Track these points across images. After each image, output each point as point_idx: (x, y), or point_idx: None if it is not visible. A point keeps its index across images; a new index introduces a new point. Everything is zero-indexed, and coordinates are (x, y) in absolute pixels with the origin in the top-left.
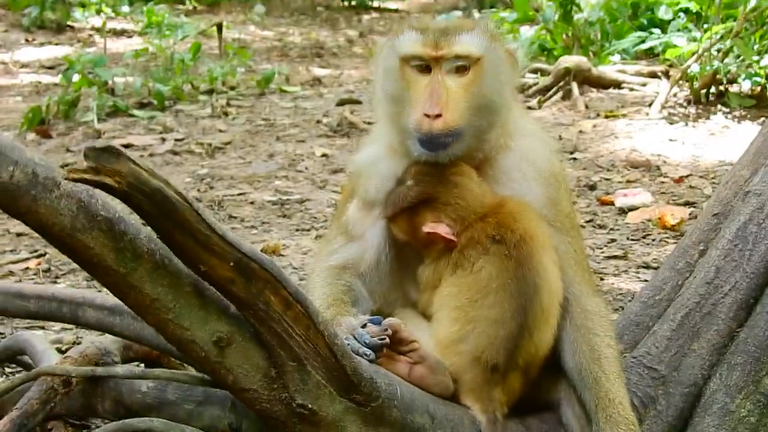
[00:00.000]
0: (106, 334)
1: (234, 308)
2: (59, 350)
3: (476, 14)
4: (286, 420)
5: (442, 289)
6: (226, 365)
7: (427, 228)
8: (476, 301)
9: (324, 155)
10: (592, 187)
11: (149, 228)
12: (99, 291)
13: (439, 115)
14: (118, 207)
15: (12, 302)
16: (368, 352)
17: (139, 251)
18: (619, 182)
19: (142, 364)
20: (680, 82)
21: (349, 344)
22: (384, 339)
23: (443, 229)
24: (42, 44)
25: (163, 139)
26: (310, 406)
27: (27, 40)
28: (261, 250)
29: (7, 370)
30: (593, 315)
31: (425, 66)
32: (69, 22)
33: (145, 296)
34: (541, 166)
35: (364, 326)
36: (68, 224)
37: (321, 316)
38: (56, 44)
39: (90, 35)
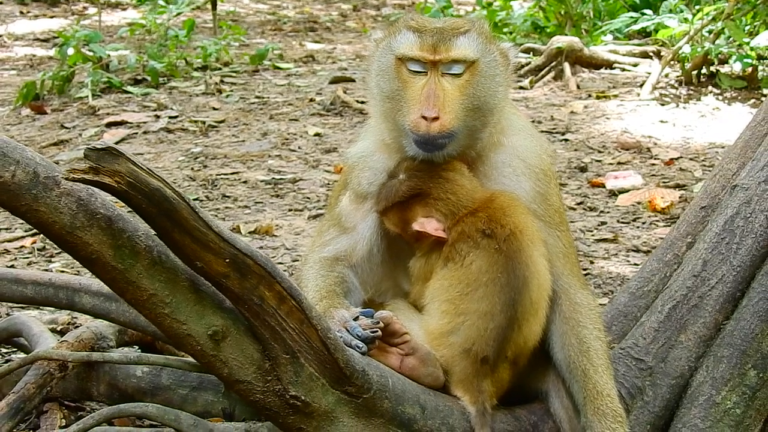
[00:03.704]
0: None
1: (229, 303)
2: (54, 330)
3: None
4: (279, 411)
5: (433, 281)
6: (221, 358)
7: (417, 226)
8: (466, 294)
9: (317, 134)
10: (583, 169)
11: (147, 225)
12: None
13: (436, 118)
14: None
15: (9, 287)
16: (360, 344)
17: (137, 248)
18: (610, 164)
19: (138, 348)
20: (671, 62)
21: (341, 337)
22: (376, 332)
23: (432, 227)
24: (36, 17)
25: (157, 117)
26: (303, 397)
27: (21, 12)
28: (254, 231)
29: (3, 350)
30: (582, 307)
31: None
32: None
33: (142, 291)
34: (531, 162)
35: (356, 319)
36: (68, 222)
37: (314, 310)
38: (51, 17)
39: (84, 7)
